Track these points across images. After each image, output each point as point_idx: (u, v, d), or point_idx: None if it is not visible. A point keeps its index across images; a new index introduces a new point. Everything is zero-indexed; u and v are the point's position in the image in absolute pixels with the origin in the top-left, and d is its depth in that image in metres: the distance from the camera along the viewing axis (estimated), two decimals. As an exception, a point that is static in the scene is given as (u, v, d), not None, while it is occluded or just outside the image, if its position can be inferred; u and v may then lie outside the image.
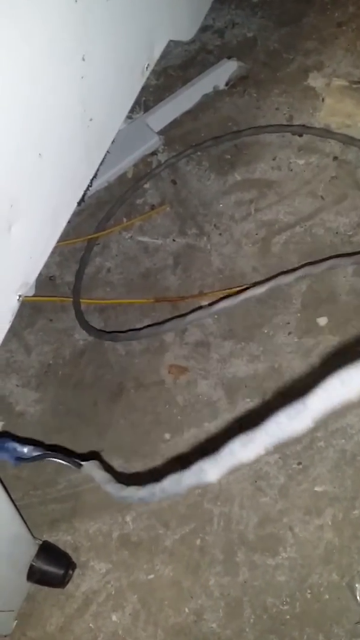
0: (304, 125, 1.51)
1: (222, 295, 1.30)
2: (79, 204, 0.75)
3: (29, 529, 1.04)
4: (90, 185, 0.80)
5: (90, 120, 0.75)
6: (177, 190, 1.50)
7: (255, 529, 1.12)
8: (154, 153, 1.57)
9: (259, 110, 1.58)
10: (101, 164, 0.80)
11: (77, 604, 1.10)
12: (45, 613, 1.09)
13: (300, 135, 1.52)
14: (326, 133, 1.49)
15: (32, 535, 1.04)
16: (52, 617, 1.09)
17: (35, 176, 0.65)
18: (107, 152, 1.52)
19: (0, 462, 0.91)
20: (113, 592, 1.10)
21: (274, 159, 1.50)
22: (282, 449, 1.16)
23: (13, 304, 0.65)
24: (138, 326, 1.34)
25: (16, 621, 1.07)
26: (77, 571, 1.12)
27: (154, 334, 1.27)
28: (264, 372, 1.24)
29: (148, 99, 1.67)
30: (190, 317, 1.22)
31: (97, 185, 1.52)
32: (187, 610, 1.07)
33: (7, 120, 0.57)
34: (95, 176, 0.78)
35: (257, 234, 1.40)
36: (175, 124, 1.62)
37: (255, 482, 1.15)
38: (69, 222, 0.81)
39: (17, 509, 1.02)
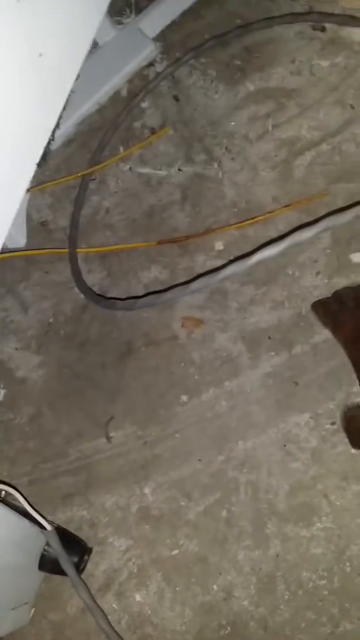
0: (324, 13, 1.25)
1: (234, 227, 1.12)
2: (38, 165, 0.57)
3: (40, 514, 0.95)
4: (52, 139, 0.62)
5: (40, 55, 0.56)
6: (180, 107, 1.28)
7: (287, 497, 1.01)
8: (150, 64, 1.33)
9: (272, 3, 1.31)
10: (64, 109, 0.60)
11: (98, 583, 1.03)
12: (65, 594, 1.03)
13: (323, 30, 1.27)
14: (351, 21, 1.23)
15: (45, 519, 0.95)
16: (72, 598, 1.03)
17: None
18: (97, 67, 1.31)
19: None
20: (135, 570, 1.03)
21: (292, 62, 1.26)
22: (313, 406, 1.03)
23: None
24: (144, 274, 1.18)
25: (33, 609, 1.01)
26: (96, 549, 1.04)
27: (155, 303, 1.10)
28: (290, 321, 1.09)
29: (140, -3, 1.41)
30: (194, 284, 1.04)
31: (86, 108, 1.31)
32: (215, 587, 1.00)
33: None
34: (57, 126, 0.60)
35: (276, 156, 1.19)
36: (173, 26, 1.37)
37: (285, 446, 1.03)
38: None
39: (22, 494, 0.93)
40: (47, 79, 0.55)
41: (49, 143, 0.58)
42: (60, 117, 0.60)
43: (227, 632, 0.98)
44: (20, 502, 0.94)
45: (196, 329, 1.12)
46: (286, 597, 0.97)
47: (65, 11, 0.55)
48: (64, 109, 0.62)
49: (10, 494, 0.96)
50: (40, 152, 0.57)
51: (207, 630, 0.99)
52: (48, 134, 0.58)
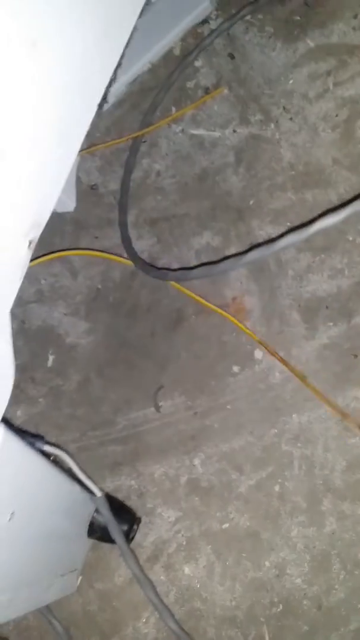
0: None
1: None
2: (100, 106, 0.53)
3: (91, 479, 0.93)
4: (114, 79, 0.57)
5: None
6: (236, 66, 1.22)
7: (343, 473, 0.97)
8: (204, 21, 1.27)
9: None
10: (126, 47, 0.56)
11: (147, 554, 1.01)
12: (112, 564, 1.02)
13: (390, -21, 1.18)
14: None
15: (93, 487, 0.93)
16: (119, 568, 1.01)
17: (32, 79, 0.44)
18: (149, 24, 1.25)
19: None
20: (184, 543, 1.01)
21: (355, 17, 1.18)
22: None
23: (23, 253, 0.47)
24: (196, 240, 1.14)
25: (81, 577, 1.00)
26: (144, 519, 1.02)
27: (208, 275, 1.05)
28: (350, 289, 1.03)
29: None
30: (249, 255, 0.98)
31: (137, 68, 1.26)
32: (267, 563, 0.96)
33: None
34: (119, 65, 0.55)
35: (337, 116, 1.12)
36: (229, -20, 1.30)
37: (341, 421, 0.98)
38: (104, 115, 0.59)
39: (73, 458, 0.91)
40: (111, 13, 0.51)
41: (110, 84, 0.54)
42: (122, 57, 0.56)
43: (279, 609, 0.95)
44: (71, 467, 0.92)
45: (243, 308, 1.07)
46: (342, 576, 0.93)
47: None
48: (123, 55, 0.58)
49: (62, 459, 0.94)
50: (100, 93, 0.53)
51: (258, 606, 0.96)
52: (110, 72, 0.53)
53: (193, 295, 1.08)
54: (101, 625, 1.02)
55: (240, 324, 1.05)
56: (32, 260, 0.50)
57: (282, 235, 0.97)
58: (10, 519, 0.66)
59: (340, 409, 0.98)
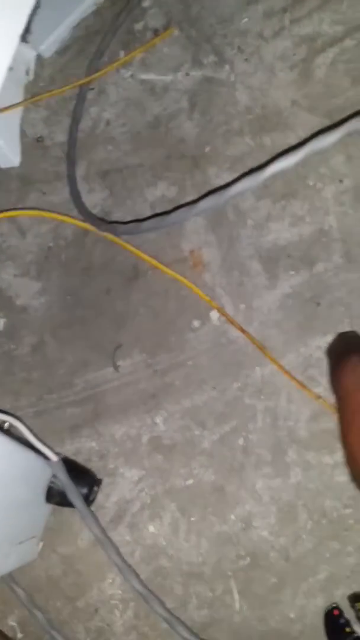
0: None
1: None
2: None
3: (46, 445, 0.89)
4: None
5: None
6: (186, 5, 1.15)
7: (308, 424, 0.95)
8: None
9: None
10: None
11: (110, 515, 0.99)
12: (75, 527, 0.99)
13: None
14: None
15: (50, 450, 0.90)
16: (82, 531, 0.98)
17: None
18: None
19: None
20: (148, 501, 0.98)
21: None
22: (337, 327, 0.95)
23: None
24: (150, 191, 1.09)
25: (42, 542, 0.97)
26: (106, 480, 1.00)
27: (160, 227, 1.00)
28: (311, 237, 1.00)
29: None
30: (201, 204, 0.93)
31: (82, 10, 1.18)
32: (233, 517, 0.95)
33: None
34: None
35: (294, 55, 1.07)
36: None
37: (306, 370, 0.96)
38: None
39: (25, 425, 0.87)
40: None
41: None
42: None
43: (246, 562, 0.93)
44: (23, 433, 0.88)
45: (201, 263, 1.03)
46: (309, 526, 0.92)
47: None
48: None
49: (14, 426, 0.90)
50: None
51: (225, 561, 0.94)
52: None
53: (140, 253, 1.03)
54: (65, 590, 0.99)
55: (193, 286, 1.01)
56: None
57: (236, 180, 0.92)
58: None
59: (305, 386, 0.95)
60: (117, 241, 1.05)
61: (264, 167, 0.88)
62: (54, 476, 0.88)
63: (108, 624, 0.98)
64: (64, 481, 0.87)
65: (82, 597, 0.99)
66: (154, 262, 1.03)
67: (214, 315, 1.01)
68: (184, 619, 0.94)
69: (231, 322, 0.98)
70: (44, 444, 0.87)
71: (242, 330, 0.97)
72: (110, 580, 0.98)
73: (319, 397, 0.93)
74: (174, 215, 0.99)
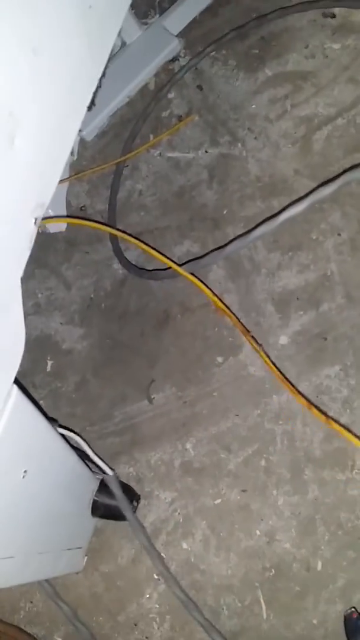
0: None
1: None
2: (89, 108, 0.66)
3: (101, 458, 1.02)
4: (99, 86, 0.71)
5: (90, 7, 0.65)
6: (204, 96, 1.37)
7: (322, 444, 1.06)
8: (174, 58, 1.43)
9: (286, -3, 1.40)
10: (109, 61, 0.69)
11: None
12: (115, 546, 1.09)
13: (333, 17, 1.35)
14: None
15: (104, 466, 1.02)
16: (122, 549, 1.09)
17: (32, 76, 0.56)
18: (126, 63, 1.41)
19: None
20: (181, 520, 1.09)
21: (306, 47, 1.34)
22: (342, 358, 1.09)
23: (30, 228, 0.59)
24: (177, 248, 1.26)
25: (87, 557, 1.07)
26: (142, 502, 1.11)
27: (195, 269, 1.18)
28: (316, 282, 1.15)
29: (162, 0, 1.51)
30: (229, 247, 1.12)
31: (117, 102, 1.41)
32: (258, 532, 1.05)
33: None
34: (104, 75, 0.68)
35: (295, 133, 1.27)
36: (194, 24, 1.47)
37: (317, 397, 1.08)
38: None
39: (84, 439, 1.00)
40: (94, 30, 0.64)
41: (96, 90, 0.67)
42: (105, 68, 0.69)
43: (271, 574, 1.03)
44: (82, 447, 1.01)
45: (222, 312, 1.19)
46: (326, 538, 1.01)
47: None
48: (105, 72, 0.71)
49: (74, 440, 1.02)
50: (90, 94, 0.66)
51: (253, 573, 1.03)
52: (95, 80, 0.66)
53: (205, 289, 1.15)
54: (107, 605, 1.09)
55: (231, 316, 1.14)
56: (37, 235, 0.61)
57: (254, 228, 1.10)
58: (24, 477, 0.75)
59: (305, 398, 1.08)
60: (190, 278, 1.17)
61: (277, 215, 1.06)
62: (98, 491, 1.00)
63: (147, 636, 1.06)
64: (117, 493, 0.98)
65: (123, 612, 1.08)
66: (213, 296, 1.16)
67: (247, 347, 1.14)
68: (217, 628, 1.02)
69: (259, 352, 1.11)
70: (101, 458, 1.00)
71: (268, 362, 1.10)
72: (148, 595, 1.08)
73: (330, 419, 1.05)
74: (206, 258, 1.18)
